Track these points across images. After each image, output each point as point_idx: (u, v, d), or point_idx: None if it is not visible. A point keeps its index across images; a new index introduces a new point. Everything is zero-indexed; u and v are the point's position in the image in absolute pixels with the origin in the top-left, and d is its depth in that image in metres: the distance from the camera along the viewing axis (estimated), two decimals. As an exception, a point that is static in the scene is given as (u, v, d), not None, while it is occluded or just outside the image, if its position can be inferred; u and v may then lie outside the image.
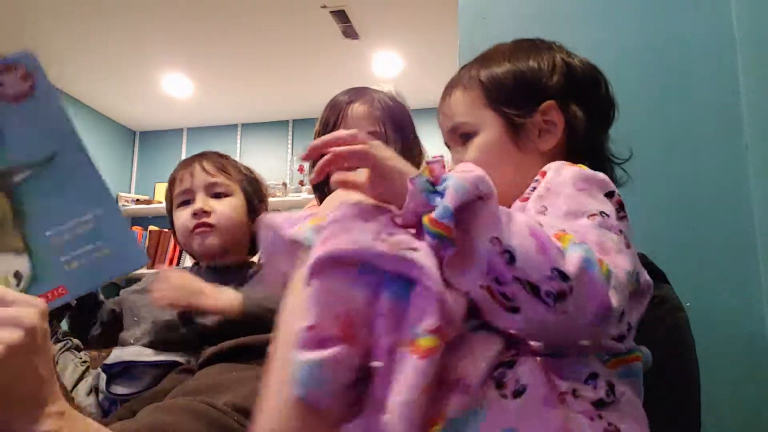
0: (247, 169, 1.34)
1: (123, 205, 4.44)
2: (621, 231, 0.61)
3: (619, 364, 0.62)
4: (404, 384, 0.49)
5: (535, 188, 0.68)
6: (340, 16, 3.34)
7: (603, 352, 0.61)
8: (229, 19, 3.40)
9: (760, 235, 1.11)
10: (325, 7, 3.26)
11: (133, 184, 4.77)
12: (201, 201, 1.21)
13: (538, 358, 0.56)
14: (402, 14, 3.35)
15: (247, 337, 1.00)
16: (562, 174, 0.66)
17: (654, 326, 0.70)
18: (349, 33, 3.51)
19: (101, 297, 1.31)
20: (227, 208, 1.23)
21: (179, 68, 3.98)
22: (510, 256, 0.51)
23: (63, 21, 3.42)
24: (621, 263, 0.56)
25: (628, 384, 0.60)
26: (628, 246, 0.61)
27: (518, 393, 0.50)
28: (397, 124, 1.23)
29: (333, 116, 1.26)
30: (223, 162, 1.28)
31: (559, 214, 0.61)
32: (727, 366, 1.07)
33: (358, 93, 1.27)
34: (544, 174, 0.69)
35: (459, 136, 0.82)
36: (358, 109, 1.23)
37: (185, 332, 1.09)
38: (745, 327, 1.09)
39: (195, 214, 1.20)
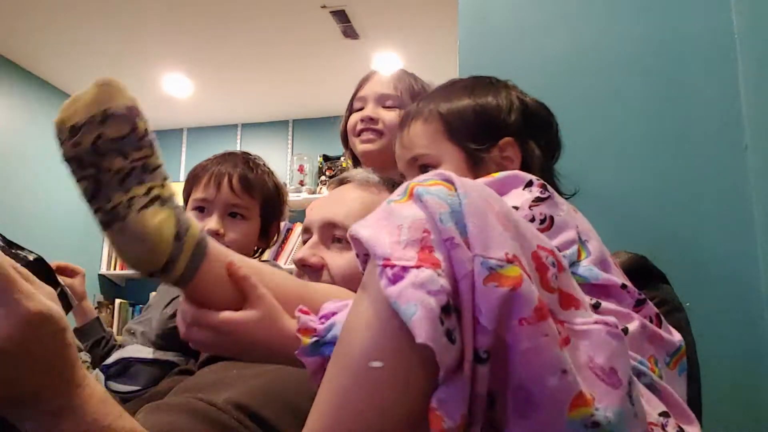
0: (273, 181, 1.28)
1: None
2: (533, 218, 0.64)
3: (677, 362, 0.64)
4: None
5: None
6: (340, 16, 3.34)
7: (665, 354, 0.63)
8: (229, 19, 3.40)
9: (760, 235, 1.11)
10: (325, 7, 3.26)
11: (133, 184, 4.77)
12: (216, 222, 1.18)
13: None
14: (402, 14, 3.35)
15: None
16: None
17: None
18: (349, 33, 3.51)
19: (114, 340, 1.34)
20: (240, 235, 1.20)
21: (179, 68, 3.98)
22: None
23: (63, 20, 3.42)
24: None
25: (683, 381, 0.63)
26: (542, 228, 0.64)
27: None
28: (415, 98, 1.28)
29: (361, 81, 1.36)
30: (251, 180, 1.21)
31: None
32: (727, 366, 1.07)
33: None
34: None
35: (418, 168, 0.84)
36: (380, 77, 1.34)
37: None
38: (745, 327, 1.09)
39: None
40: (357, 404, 0.46)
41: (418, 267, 0.45)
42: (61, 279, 0.94)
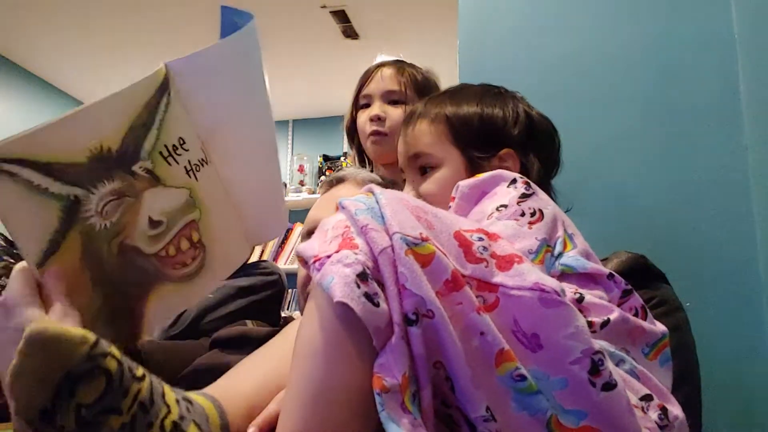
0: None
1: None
2: (523, 213, 0.66)
3: (658, 353, 0.65)
4: None
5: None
6: (340, 16, 3.34)
7: (644, 345, 0.64)
8: (229, 19, 3.40)
9: (760, 235, 1.11)
10: (325, 7, 3.26)
11: (133, 184, 4.76)
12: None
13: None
14: (402, 14, 3.35)
15: (244, 327, 1.02)
16: (465, 194, 0.73)
17: (654, 326, 0.70)
18: (349, 33, 3.52)
19: None
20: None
21: (179, 68, 3.98)
22: None
23: (63, 20, 3.42)
24: (520, 246, 0.63)
25: (666, 372, 0.64)
26: (533, 220, 0.66)
27: (608, 386, 0.51)
28: (421, 93, 1.32)
29: (364, 78, 1.40)
30: None
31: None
32: (727, 366, 1.07)
33: (391, 61, 1.41)
34: (453, 198, 0.74)
35: (418, 166, 0.87)
36: (385, 71, 1.38)
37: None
38: (745, 327, 1.09)
39: None
40: (311, 388, 0.50)
41: (337, 252, 0.51)
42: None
